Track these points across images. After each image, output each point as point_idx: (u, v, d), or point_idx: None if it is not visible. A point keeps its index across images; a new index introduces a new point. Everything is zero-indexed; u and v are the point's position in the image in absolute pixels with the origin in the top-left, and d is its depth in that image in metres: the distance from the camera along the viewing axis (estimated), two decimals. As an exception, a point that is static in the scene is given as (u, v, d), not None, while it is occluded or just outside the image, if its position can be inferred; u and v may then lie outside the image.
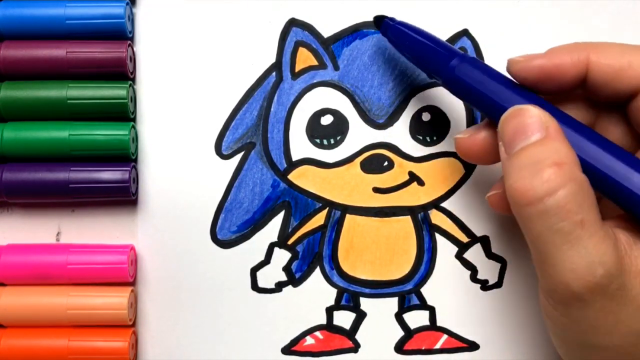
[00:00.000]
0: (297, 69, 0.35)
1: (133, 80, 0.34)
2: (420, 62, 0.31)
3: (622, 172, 0.24)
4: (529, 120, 0.25)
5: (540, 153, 0.24)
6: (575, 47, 0.27)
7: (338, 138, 0.34)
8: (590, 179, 0.24)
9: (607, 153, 0.25)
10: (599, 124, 0.28)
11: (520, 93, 0.27)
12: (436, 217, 0.34)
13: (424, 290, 0.34)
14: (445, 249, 0.34)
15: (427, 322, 0.34)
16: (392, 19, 0.32)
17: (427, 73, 0.31)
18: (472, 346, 0.34)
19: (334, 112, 0.34)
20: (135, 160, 0.34)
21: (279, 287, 0.34)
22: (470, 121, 0.34)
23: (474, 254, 0.34)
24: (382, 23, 0.33)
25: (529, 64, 0.27)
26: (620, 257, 0.23)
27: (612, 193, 0.25)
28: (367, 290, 0.34)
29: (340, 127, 0.34)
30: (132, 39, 0.34)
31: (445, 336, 0.34)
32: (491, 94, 0.27)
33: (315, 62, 0.35)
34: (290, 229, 0.34)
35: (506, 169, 0.25)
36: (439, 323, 0.34)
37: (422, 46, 0.31)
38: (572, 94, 0.28)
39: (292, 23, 0.35)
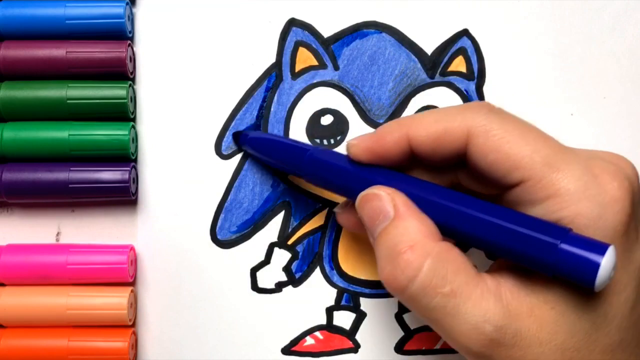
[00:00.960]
0: (297, 69, 0.35)
1: (133, 80, 0.34)
2: (282, 163, 0.32)
3: (483, 223, 0.24)
4: (378, 203, 0.26)
5: (393, 238, 0.25)
6: (396, 126, 0.27)
7: (338, 138, 0.34)
8: (454, 235, 0.25)
9: (462, 207, 0.25)
10: (460, 176, 0.28)
11: (370, 170, 0.28)
12: (436, 217, 0.34)
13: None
14: (445, 249, 0.34)
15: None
16: (247, 132, 0.34)
17: (291, 173, 0.33)
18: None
19: (334, 112, 0.34)
20: (135, 160, 0.34)
21: (279, 287, 0.34)
22: (470, 121, 0.34)
23: (474, 253, 0.34)
24: (239, 138, 0.34)
25: (360, 148, 0.28)
26: (505, 306, 0.24)
27: (479, 245, 0.25)
28: (367, 291, 0.34)
29: (340, 127, 0.34)
30: (132, 39, 0.34)
31: (445, 336, 0.34)
32: (344, 179, 0.28)
33: (315, 62, 0.35)
34: (290, 229, 0.34)
35: (376, 254, 0.26)
36: (439, 323, 0.34)
37: (278, 147, 0.32)
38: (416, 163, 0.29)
39: (292, 23, 0.35)
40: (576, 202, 0.23)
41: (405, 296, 0.24)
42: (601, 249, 0.21)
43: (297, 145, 0.31)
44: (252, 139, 0.33)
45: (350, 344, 0.34)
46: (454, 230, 0.25)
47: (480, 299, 0.24)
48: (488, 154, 0.25)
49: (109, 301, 0.33)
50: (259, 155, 0.33)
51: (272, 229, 0.34)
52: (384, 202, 0.26)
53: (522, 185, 0.24)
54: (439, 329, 0.24)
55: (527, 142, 0.25)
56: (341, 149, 0.34)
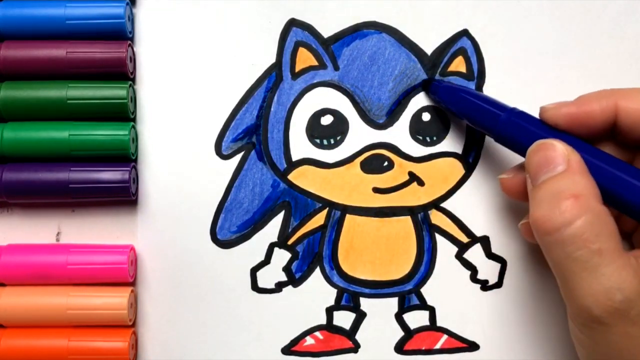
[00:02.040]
0: (297, 69, 0.35)
1: (133, 80, 0.34)
2: (472, 119, 0.32)
3: None
4: (552, 154, 0.26)
5: (559, 185, 0.25)
6: (603, 94, 0.28)
7: (338, 138, 0.34)
8: (616, 205, 0.26)
9: (630, 178, 0.26)
10: (636, 163, 0.29)
11: (557, 135, 0.28)
12: (436, 217, 0.34)
13: (424, 290, 0.34)
14: (445, 249, 0.34)
15: (427, 322, 0.34)
16: (439, 81, 0.34)
17: (478, 129, 0.32)
18: (472, 346, 0.34)
19: (334, 112, 0.34)
20: (135, 161, 0.34)
21: (279, 287, 0.34)
22: (470, 121, 0.34)
23: (474, 254, 0.34)
24: (430, 86, 0.34)
25: (559, 112, 0.28)
26: None
27: (637, 216, 0.26)
28: (367, 291, 0.34)
29: (340, 127, 0.34)
30: (132, 39, 0.34)
31: (445, 336, 0.34)
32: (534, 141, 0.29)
33: (315, 62, 0.35)
34: (290, 229, 0.34)
35: (530, 200, 0.26)
36: (439, 323, 0.34)
37: (472, 104, 0.32)
38: (607, 137, 0.29)
39: (292, 23, 0.35)
40: None
41: (553, 238, 0.25)
42: None
43: (490, 107, 0.31)
44: (444, 88, 0.33)
45: (350, 344, 0.34)
46: (621, 200, 0.26)
47: (621, 268, 0.24)
48: None
49: (109, 301, 0.33)
50: (449, 107, 0.33)
51: (272, 229, 0.34)
52: (558, 153, 0.26)
53: None
54: (568, 283, 0.25)
55: None
56: (345, 147, 0.34)
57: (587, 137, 0.28)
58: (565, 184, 0.25)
